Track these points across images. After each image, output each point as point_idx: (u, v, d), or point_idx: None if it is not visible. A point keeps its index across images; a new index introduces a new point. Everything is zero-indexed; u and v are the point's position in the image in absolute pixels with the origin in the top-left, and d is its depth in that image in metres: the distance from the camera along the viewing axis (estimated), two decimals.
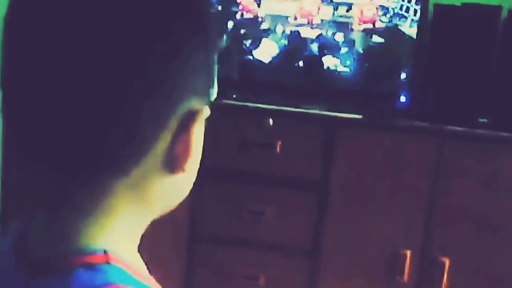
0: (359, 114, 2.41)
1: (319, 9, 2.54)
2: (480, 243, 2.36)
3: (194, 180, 0.83)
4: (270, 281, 2.48)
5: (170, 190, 0.80)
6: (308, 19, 2.55)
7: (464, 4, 2.40)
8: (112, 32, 0.70)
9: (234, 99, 2.46)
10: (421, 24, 2.44)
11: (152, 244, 2.44)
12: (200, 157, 0.80)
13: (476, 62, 2.38)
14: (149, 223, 0.81)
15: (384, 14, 2.50)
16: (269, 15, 2.57)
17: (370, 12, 2.52)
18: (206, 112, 0.78)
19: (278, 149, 2.41)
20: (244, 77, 2.55)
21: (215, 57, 0.80)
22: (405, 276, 2.40)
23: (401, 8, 2.49)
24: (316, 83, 2.55)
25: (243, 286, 2.49)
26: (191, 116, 0.75)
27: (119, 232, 0.76)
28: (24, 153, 0.75)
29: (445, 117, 2.37)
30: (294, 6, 2.56)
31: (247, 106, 2.43)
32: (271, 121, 2.40)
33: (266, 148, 2.42)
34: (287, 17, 2.56)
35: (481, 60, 2.38)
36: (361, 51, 2.52)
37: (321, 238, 2.44)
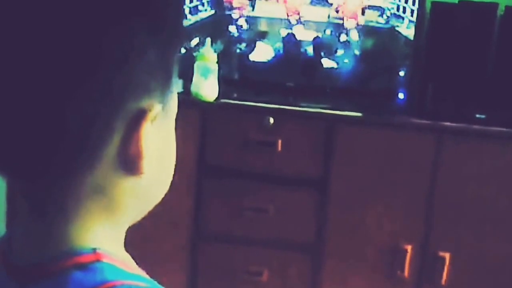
0: (358, 112, 2.42)
1: (307, 9, 2.54)
2: (479, 237, 2.38)
3: (165, 180, 0.81)
4: (273, 277, 2.50)
5: (137, 192, 0.77)
6: (299, 17, 2.54)
7: (461, 2, 2.42)
8: (58, 31, 0.67)
9: (235, 98, 2.49)
10: (418, 21, 2.46)
11: (157, 243, 2.49)
12: (168, 156, 0.80)
13: (473, 58, 2.40)
14: (128, 224, 0.80)
15: (381, 15, 2.51)
16: (263, 17, 2.58)
17: (354, 7, 2.52)
18: (156, 111, 0.74)
19: (279, 147, 2.43)
20: (244, 76, 2.58)
21: (175, 55, 0.77)
22: (406, 271, 2.42)
23: (397, 9, 2.50)
24: (315, 81, 2.58)
25: (247, 282, 2.52)
26: (140, 115, 0.72)
27: (102, 232, 0.75)
28: None
29: (443, 113, 2.38)
30: (284, 7, 2.56)
31: (247, 105, 2.45)
32: (271, 119, 2.42)
33: (267, 147, 2.44)
34: (280, 19, 2.57)
35: (478, 56, 2.40)
36: (357, 53, 2.53)
37: (322, 234, 2.46)
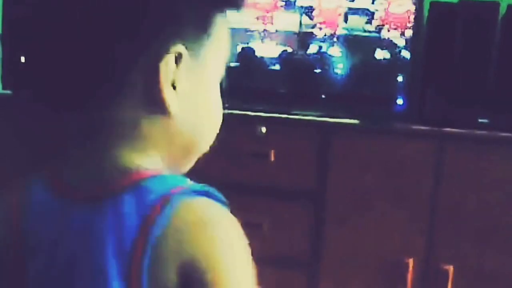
0: (355, 119, 2.35)
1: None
2: (483, 249, 2.30)
3: (202, 127, 0.92)
4: None
5: (169, 131, 0.87)
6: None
7: (461, 1, 2.34)
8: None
9: (224, 107, 2.38)
10: (416, 22, 2.37)
11: None
12: (203, 103, 0.89)
13: (475, 60, 2.32)
14: (168, 165, 0.89)
15: (369, 22, 2.35)
16: None
17: (330, 4, 2.33)
18: (180, 52, 0.83)
19: (271, 157, 2.36)
20: (233, 83, 2.47)
21: (216, 13, 0.87)
22: (408, 286, 2.34)
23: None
24: (309, 87, 2.48)
25: None
26: (162, 55, 0.82)
27: (144, 160, 0.85)
28: (41, 99, 0.87)
29: (444, 119, 2.31)
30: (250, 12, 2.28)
31: (237, 114, 2.37)
32: (263, 129, 2.34)
33: (259, 157, 2.37)
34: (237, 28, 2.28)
35: (479, 58, 2.32)
36: (340, 71, 2.36)
37: (319, 249, 2.39)
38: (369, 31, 2.33)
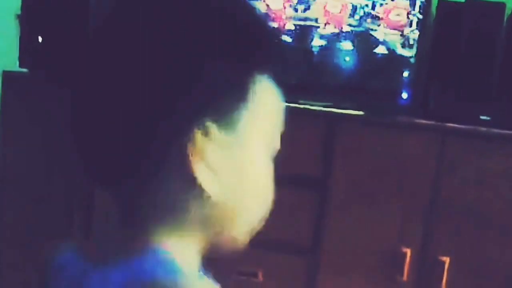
0: (360, 111, 2.37)
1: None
2: (481, 242, 2.33)
3: (243, 209, 0.84)
4: (268, 278, 2.45)
5: (208, 212, 0.80)
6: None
7: (468, 1, 2.36)
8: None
9: None
10: (424, 20, 2.40)
11: None
12: (241, 182, 0.81)
13: (480, 59, 2.35)
14: (201, 245, 0.84)
15: (352, 15, 2.30)
16: None
17: (336, 8, 2.31)
18: (213, 132, 0.77)
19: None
20: None
21: (246, 87, 0.79)
22: (405, 275, 2.36)
23: (373, 7, 2.30)
24: (316, 78, 2.51)
25: (242, 283, 2.46)
26: (192, 131, 0.76)
27: (173, 241, 0.81)
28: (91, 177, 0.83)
29: (447, 114, 2.33)
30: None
31: None
32: None
33: None
34: None
35: (484, 56, 2.35)
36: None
37: (320, 236, 2.40)
38: (375, 30, 2.36)
